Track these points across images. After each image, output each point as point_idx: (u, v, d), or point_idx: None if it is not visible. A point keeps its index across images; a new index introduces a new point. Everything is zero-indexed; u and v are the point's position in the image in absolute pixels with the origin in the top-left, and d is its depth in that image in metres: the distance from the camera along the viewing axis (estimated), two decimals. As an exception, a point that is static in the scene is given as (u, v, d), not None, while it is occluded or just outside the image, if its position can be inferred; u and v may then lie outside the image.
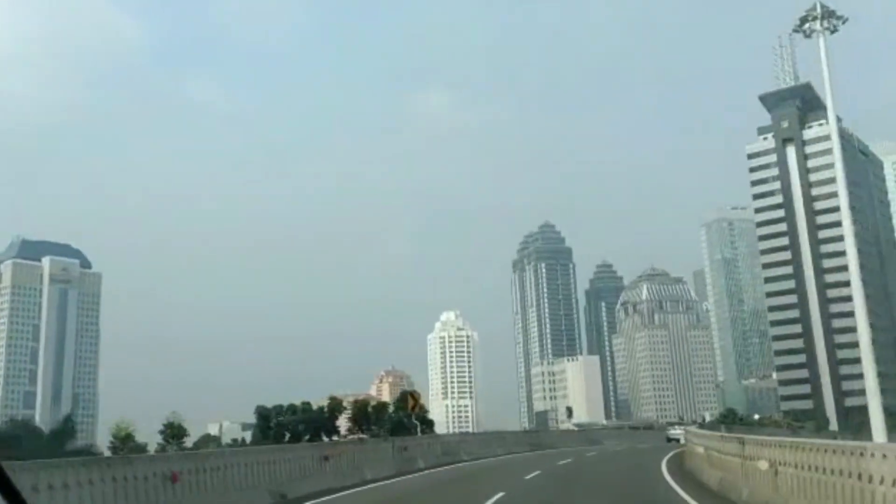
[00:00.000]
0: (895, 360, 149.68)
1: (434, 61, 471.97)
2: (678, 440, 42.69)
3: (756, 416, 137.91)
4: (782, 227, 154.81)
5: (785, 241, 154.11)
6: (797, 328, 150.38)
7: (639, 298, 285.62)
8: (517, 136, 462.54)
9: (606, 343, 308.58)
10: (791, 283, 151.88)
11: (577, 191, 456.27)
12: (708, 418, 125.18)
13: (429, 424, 65.22)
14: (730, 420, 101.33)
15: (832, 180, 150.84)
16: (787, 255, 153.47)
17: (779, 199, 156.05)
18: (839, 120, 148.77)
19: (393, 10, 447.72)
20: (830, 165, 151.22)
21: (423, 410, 59.91)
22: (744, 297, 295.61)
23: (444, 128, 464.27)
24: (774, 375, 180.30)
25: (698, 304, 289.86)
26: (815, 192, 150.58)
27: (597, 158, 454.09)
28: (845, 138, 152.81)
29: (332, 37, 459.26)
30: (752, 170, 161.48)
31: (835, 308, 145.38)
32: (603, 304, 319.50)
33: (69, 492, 10.75)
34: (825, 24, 34.09)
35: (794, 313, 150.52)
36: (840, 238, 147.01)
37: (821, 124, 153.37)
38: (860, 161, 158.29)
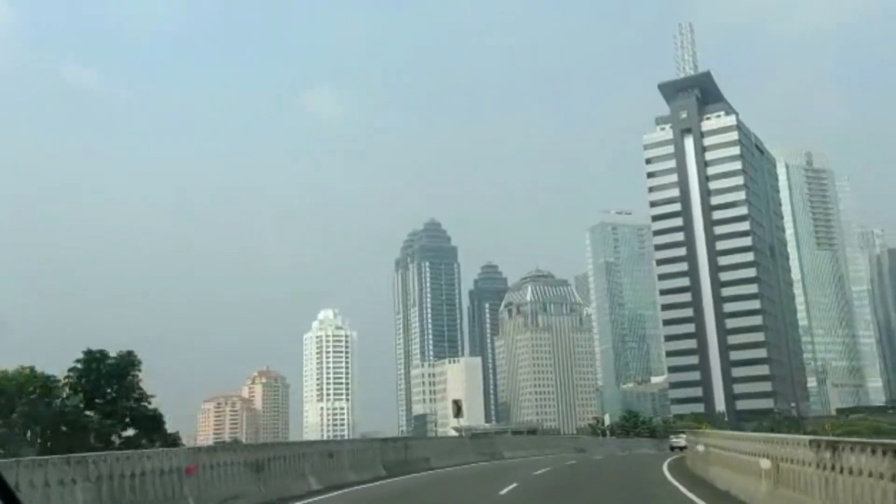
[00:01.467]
0: (787, 363, 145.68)
1: (326, 65, 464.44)
2: (682, 447, 40.23)
3: (660, 419, 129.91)
4: (678, 221, 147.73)
5: (680, 236, 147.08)
6: (690, 328, 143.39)
7: (523, 300, 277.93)
8: (409, 140, 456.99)
9: (489, 345, 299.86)
10: (685, 281, 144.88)
11: (465, 192, 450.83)
12: (607, 421, 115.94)
13: (153, 423, 37.73)
14: (631, 423, 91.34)
15: (730, 174, 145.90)
16: (682, 252, 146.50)
17: (675, 192, 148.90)
18: (736, 113, 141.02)
19: (289, 14, 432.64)
20: (728, 158, 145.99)
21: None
22: (624, 302, 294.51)
23: (333, 131, 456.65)
24: (660, 378, 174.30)
25: (582, 308, 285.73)
26: (712, 185, 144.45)
27: (487, 162, 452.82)
28: (742, 131, 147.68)
29: (225, 37, 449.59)
30: (649, 161, 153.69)
31: (729, 307, 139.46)
32: (487, 305, 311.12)
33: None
34: None
35: (688, 312, 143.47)
36: (737, 234, 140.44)
37: (719, 116, 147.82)
38: (756, 157, 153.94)
